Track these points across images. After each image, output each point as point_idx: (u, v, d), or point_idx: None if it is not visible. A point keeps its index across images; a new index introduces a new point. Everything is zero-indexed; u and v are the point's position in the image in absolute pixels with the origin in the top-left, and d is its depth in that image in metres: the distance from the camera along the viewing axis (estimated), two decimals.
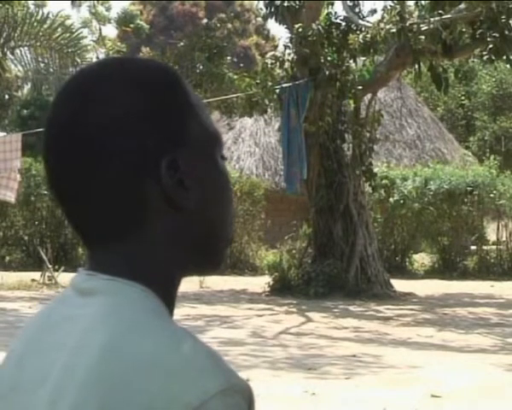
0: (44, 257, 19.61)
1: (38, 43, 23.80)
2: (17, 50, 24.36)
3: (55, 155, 1.14)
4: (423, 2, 18.34)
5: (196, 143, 1.14)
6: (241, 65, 31.33)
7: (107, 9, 43.51)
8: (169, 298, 1.14)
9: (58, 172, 1.14)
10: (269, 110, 19.08)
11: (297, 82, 17.35)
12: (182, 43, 20.00)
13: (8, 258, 23.04)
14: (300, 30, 17.90)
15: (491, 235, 24.20)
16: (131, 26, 45.19)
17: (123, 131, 1.10)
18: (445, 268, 23.10)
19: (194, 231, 1.14)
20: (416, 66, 17.85)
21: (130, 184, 1.11)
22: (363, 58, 19.11)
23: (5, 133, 13.98)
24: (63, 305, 1.15)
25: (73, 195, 1.13)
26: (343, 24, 18.34)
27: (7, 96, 34.06)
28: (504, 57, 17.33)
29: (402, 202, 23.02)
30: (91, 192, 1.11)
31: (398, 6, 17.01)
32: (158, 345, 1.03)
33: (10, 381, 1.14)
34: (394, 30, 16.70)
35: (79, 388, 1.04)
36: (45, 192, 22.58)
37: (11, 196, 11.09)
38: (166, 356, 1.03)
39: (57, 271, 19.32)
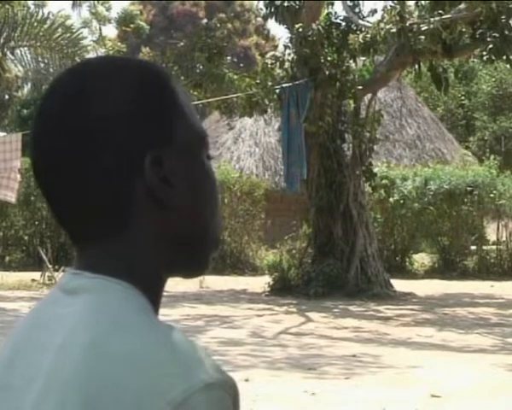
0: (44, 257, 19.61)
1: (38, 44, 23.81)
2: (17, 50, 24.38)
3: (43, 150, 1.14)
4: (423, 2, 18.35)
5: (182, 142, 1.15)
6: (241, 65, 31.36)
7: (107, 9, 43.54)
8: (154, 296, 1.14)
9: (45, 166, 1.14)
10: (269, 110, 19.07)
11: (297, 82, 17.36)
12: (182, 43, 20.02)
13: (8, 258, 23.04)
14: (300, 30, 17.90)
15: (491, 235, 24.21)
16: (131, 26, 45.21)
17: (110, 128, 1.11)
18: (445, 268, 23.10)
19: (180, 230, 1.15)
20: (416, 66, 17.86)
21: (116, 181, 1.11)
22: (363, 58, 19.12)
23: (5, 133, 13.98)
24: (51, 304, 1.15)
25: (59, 191, 1.13)
26: (343, 24, 18.35)
27: (7, 96, 34.06)
28: (504, 57, 17.33)
29: (402, 202, 23.02)
30: (77, 188, 1.12)
31: (398, 6, 17.01)
32: (143, 342, 1.04)
33: (0, 381, 1.14)
34: (394, 30, 16.71)
35: (64, 387, 1.05)
36: None
37: (12, 196, 11.08)
38: (151, 353, 1.03)
39: (57, 271, 19.31)
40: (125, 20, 45.53)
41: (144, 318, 1.08)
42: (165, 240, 1.14)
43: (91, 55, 31.37)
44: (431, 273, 22.89)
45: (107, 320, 1.07)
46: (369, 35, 17.27)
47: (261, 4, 20.09)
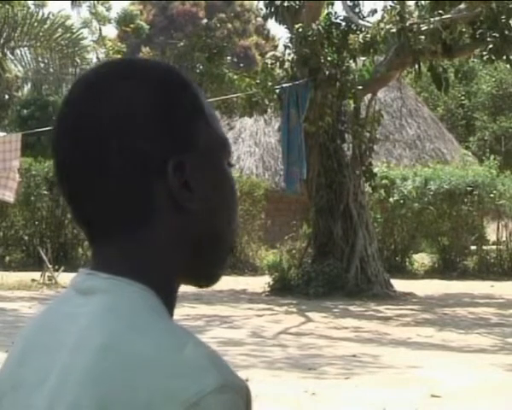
0: (44, 257, 19.60)
1: (38, 44, 23.82)
2: (17, 50, 24.40)
3: (65, 150, 1.15)
4: (423, 2, 18.35)
5: (204, 148, 1.16)
6: (241, 65, 31.36)
7: (107, 9, 43.46)
8: (168, 299, 1.14)
9: (67, 167, 1.15)
10: (269, 110, 19.07)
11: (297, 82, 17.35)
12: (182, 43, 20.00)
13: (8, 258, 23.03)
14: (300, 30, 17.90)
15: (491, 235, 24.20)
16: (131, 26, 45.20)
17: (132, 131, 1.12)
18: (445, 268, 23.10)
19: (197, 235, 1.15)
20: (416, 66, 17.86)
21: (136, 182, 1.12)
22: (363, 58, 19.12)
23: (5, 133, 13.97)
24: (64, 304, 1.16)
25: (81, 190, 1.14)
26: (343, 24, 18.35)
27: (7, 96, 34.04)
28: (504, 57, 17.34)
29: (402, 202, 23.02)
30: (98, 188, 1.13)
31: (398, 6, 17.02)
32: (156, 343, 1.04)
33: (11, 380, 1.15)
34: (394, 30, 16.71)
35: (77, 387, 1.05)
36: (45, 192, 22.59)
37: (10, 196, 11.08)
38: (164, 354, 1.03)
39: (57, 271, 19.32)
40: (124, 20, 45.50)
41: (158, 319, 1.09)
42: (181, 243, 1.14)
43: (91, 55, 31.38)
44: (431, 273, 22.89)
45: (120, 321, 1.07)
46: (369, 35, 17.27)
47: (261, 4, 20.13)
